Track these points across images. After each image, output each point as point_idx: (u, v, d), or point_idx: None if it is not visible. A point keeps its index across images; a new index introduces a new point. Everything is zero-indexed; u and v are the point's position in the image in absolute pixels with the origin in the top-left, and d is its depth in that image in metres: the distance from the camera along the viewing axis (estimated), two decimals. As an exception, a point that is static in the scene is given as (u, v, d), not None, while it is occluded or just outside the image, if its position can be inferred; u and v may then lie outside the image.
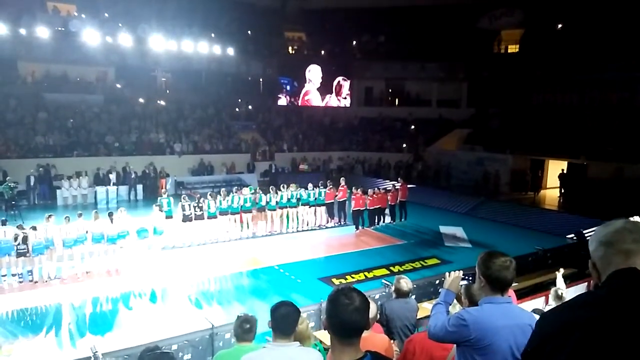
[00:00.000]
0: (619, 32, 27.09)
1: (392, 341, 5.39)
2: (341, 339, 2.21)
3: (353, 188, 19.53)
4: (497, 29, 34.83)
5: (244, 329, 4.10)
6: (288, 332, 3.18)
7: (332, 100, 36.88)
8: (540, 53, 30.57)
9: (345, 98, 37.20)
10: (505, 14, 34.08)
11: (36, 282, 12.39)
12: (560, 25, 32.46)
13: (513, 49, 34.61)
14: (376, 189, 20.65)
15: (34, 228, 12.40)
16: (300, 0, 37.01)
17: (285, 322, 3.17)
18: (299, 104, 36.52)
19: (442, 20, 33.34)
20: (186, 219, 15.59)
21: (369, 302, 2.27)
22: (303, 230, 18.10)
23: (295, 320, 3.28)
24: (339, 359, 2.23)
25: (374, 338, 4.18)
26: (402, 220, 20.59)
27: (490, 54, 34.72)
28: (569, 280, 10.29)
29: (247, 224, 17.02)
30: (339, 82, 36.71)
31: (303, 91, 36.33)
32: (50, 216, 12.85)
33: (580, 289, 9.69)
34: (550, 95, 30.35)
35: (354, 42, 38.61)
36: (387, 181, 26.58)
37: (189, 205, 15.69)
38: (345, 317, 2.15)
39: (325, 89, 36.65)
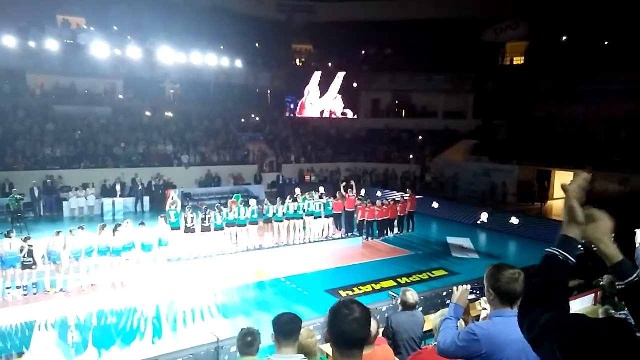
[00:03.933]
0: (624, 44, 27.09)
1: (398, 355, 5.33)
2: (342, 350, 2.19)
3: (359, 199, 19.51)
4: (502, 41, 34.90)
5: (246, 342, 4.06)
6: (293, 337, 3.16)
7: (330, 103, 36.61)
8: (545, 65, 30.57)
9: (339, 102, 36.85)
10: (510, 26, 34.17)
11: (35, 293, 12.40)
12: (565, 38, 32.52)
13: (518, 61, 34.69)
14: (385, 200, 20.61)
15: (58, 233, 12.53)
16: (307, 13, 37.24)
17: (288, 328, 3.16)
18: (297, 115, 36.45)
19: (448, 33, 33.44)
20: (189, 230, 15.51)
21: (370, 315, 2.26)
22: (310, 242, 18.03)
23: (299, 327, 3.27)
24: None
25: (377, 354, 4.13)
26: (410, 231, 20.52)
27: (496, 66, 34.81)
28: (576, 292, 10.17)
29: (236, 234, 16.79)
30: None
31: (301, 102, 36.23)
32: (59, 232, 12.83)
33: (586, 301, 9.57)
34: (555, 106, 30.28)
35: (361, 55, 38.74)
36: (394, 192, 26.49)
37: (192, 217, 15.63)
38: (345, 328, 2.14)
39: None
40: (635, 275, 1.67)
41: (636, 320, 1.53)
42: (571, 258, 1.79)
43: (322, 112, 36.49)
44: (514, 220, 21.35)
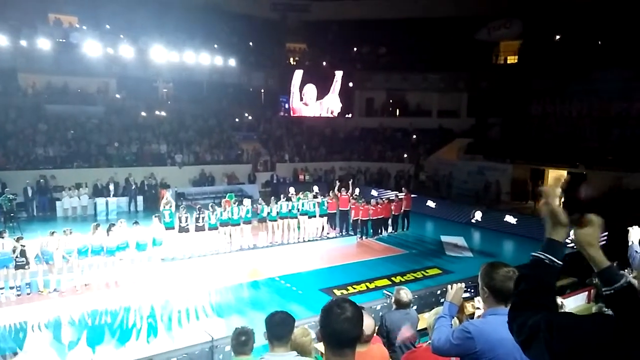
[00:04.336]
0: (617, 43, 27.20)
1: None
2: (334, 349, 2.20)
3: (353, 198, 19.53)
4: (495, 40, 34.98)
5: (240, 341, 4.06)
6: (284, 338, 3.17)
7: (329, 102, 36.63)
8: (538, 64, 30.67)
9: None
10: (504, 25, 34.22)
11: (28, 293, 12.34)
12: (558, 37, 32.64)
13: (512, 60, 34.77)
14: (379, 199, 20.62)
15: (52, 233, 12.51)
16: (301, 12, 37.19)
17: (281, 327, 3.17)
18: (291, 114, 36.47)
19: (441, 32, 33.48)
20: (182, 230, 15.48)
21: (362, 314, 2.26)
22: (304, 241, 18.02)
23: (291, 326, 3.28)
24: None
25: (371, 352, 4.12)
26: (405, 230, 20.53)
27: (490, 65, 34.88)
28: (569, 290, 10.23)
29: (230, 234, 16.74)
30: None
31: (292, 101, 36.21)
32: (53, 232, 12.76)
33: (579, 299, 9.63)
34: (549, 105, 30.41)
35: (355, 53, 38.73)
36: (388, 191, 26.53)
37: (186, 216, 15.59)
38: (337, 327, 2.16)
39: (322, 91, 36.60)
40: (623, 281, 1.68)
41: (625, 324, 1.53)
42: (557, 261, 1.80)
43: (320, 112, 36.54)
44: (512, 220, 21.36)
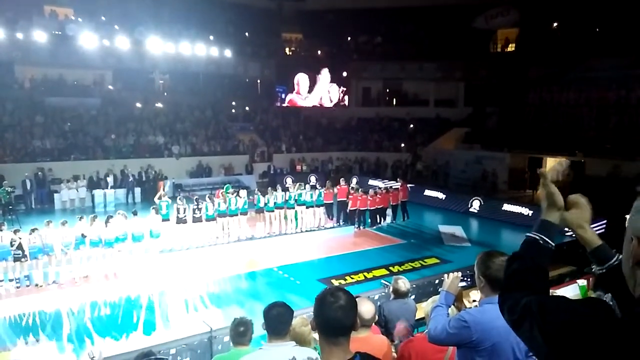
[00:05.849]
0: (615, 30, 27.12)
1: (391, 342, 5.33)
2: (328, 338, 2.22)
3: (351, 188, 19.52)
4: (493, 28, 34.87)
5: (239, 332, 4.08)
6: (282, 332, 3.18)
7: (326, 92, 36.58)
8: (536, 52, 30.58)
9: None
10: (501, 13, 34.10)
11: (27, 285, 12.38)
12: (555, 24, 32.54)
13: (509, 48, 34.67)
14: (377, 188, 20.61)
15: (33, 230, 12.41)
16: (297, 1, 37.02)
17: (278, 321, 3.17)
18: (285, 104, 36.41)
19: (438, 20, 33.37)
20: (180, 221, 15.47)
21: (355, 302, 2.29)
22: (302, 231, 18.04)
23: (289, 319, 3.29)
24: None
25: (371, 339, 4.13)
26: (404, 220, 20.46)
27: (487, 53, 34.79)
28: (568, 278, 10.24)
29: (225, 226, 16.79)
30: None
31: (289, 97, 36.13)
32: (49, 222, 12.78)
33: (578, 287, 9.62)
34: (546, 93, 30.34)
35: (351, 43, 38.59)
36: (385, 181, 26.50)
37: (184, 207, 15.59)
38: (330, 315, 2.18)
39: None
40: (615, 259, 1.69)
41: (619, 303, 1.54)
42: (551, 242, 1.80)
43: (320, 102, 36.46)
44: (509, 208, 21.31)
